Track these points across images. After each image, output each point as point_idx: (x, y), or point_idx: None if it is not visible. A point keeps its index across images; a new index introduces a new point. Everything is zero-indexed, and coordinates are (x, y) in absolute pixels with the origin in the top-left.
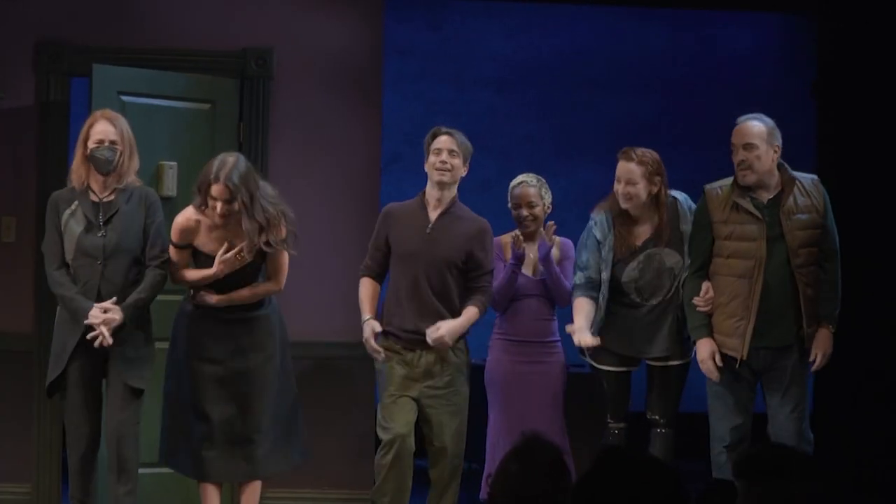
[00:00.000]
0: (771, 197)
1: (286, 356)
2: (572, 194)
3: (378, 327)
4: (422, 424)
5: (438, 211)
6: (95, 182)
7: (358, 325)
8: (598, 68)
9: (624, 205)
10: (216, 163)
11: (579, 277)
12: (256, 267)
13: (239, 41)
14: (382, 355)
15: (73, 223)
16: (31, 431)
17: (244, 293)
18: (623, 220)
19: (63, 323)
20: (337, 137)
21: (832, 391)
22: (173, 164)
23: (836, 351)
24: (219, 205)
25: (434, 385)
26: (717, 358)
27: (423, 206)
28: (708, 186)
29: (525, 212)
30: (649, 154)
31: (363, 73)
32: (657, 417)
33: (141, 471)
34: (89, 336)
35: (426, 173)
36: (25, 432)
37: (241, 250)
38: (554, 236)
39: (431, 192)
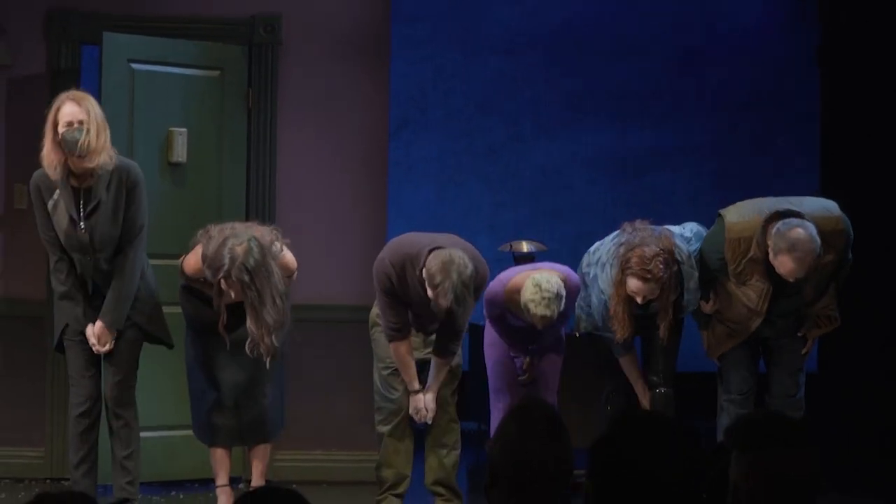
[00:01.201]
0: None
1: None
2: (579, 158)
3: (422, 403)
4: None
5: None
6: (73, 165)
7: (367, 289)
8: (605, 34)
9: (641, 302)
10: (226, 254)
11: (617, 340)
12: None
13: (247, 8)
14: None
15: (57, 216)
16: (44, 397)
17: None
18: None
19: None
20: (345, 103)
21: (835, 356)
22: (183, 130)
23: (841, 316)
24: (232, 293)
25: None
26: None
27: (423, 282)
28: (729, 231)
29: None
30: (660, 264)
31: (371, 38)
32: (655, 378)
33: (149, 434)
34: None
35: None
36: (38, 398)
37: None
38: (565, 275)
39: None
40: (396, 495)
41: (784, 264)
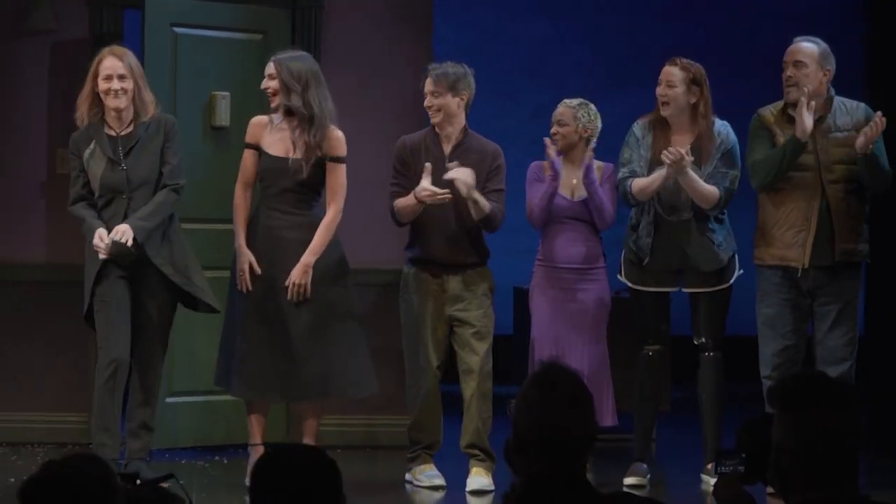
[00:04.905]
0: (816, 119)
1: (339, 282)
2: (625, 120)
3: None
4: (453, 344)
5: (451, 144)
6: (110, 116)
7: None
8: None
9: (662, 110)
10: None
11: (622, 172)
12: (315, 186)
13: None
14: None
15: (93, 163)
16: (88, 362)
17: (318, 240)
18: (662, 128)
19: (88, 254)
20: (388, 66)
21: (883, 316)
22: (226, 94)
23: (886, 278)
24: (264, 81)
25: (463, 308)
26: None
27: (437, 140)
28: (760, 109)
29: (553, 129)
30: (695, 65)
31: (414, 2)
32: (704, 341)
33: (192, 399)
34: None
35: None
36: (82, 363)
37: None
38: (597, 161)
39: (439, 129)
40: (429, 454)
41: (790, 50)
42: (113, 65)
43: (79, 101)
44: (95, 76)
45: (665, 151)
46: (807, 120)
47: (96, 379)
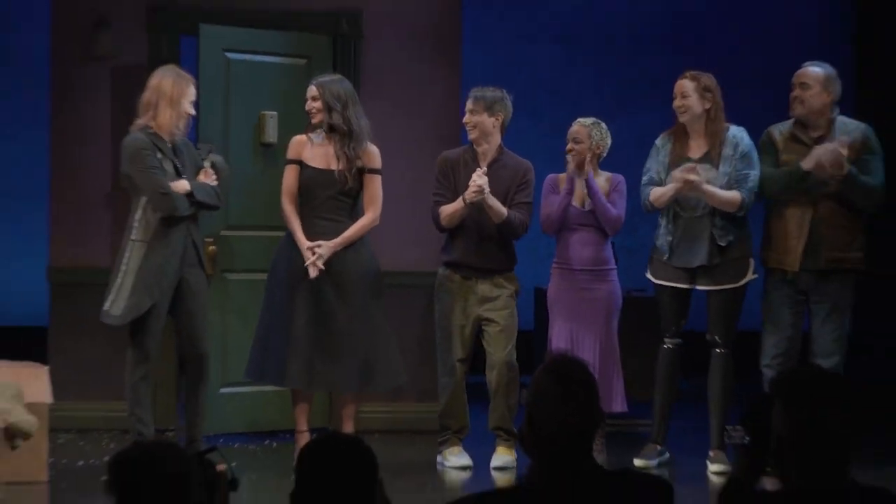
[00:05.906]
0: (816, 136)
1: (375, 287)
2: (631, 137)
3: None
4: (482, 341)
5: (488, 161)
6: (164, 134)
7: (436, 257)
8: (652, 25)
9: (681, 118)
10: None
11: (644, 181)
12: (354, 195)
13: (331, 2)
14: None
15: (167, 175)
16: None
17: (350, 232)
18: (680, 136)
19: (161, 255)
20: (421, 91)
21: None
22: (274, 113)
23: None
24: (307, 103)
25: (491, 308)
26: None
27: (475, 157)
28: (770, 127)
29: (569, 145)
30: (704, 74)
31: (443, 28)
32: (716, 338)
33: (244, 389)
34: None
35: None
36: None
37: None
38: (605, 172)
39: (476, 145)
40: (458, 438)
41: (798, 73)
42: (195, 93)
43: (167, 119)
44: (181, 97)
45: (674, 174)
46: (811, 162)
47: (132, 373)
